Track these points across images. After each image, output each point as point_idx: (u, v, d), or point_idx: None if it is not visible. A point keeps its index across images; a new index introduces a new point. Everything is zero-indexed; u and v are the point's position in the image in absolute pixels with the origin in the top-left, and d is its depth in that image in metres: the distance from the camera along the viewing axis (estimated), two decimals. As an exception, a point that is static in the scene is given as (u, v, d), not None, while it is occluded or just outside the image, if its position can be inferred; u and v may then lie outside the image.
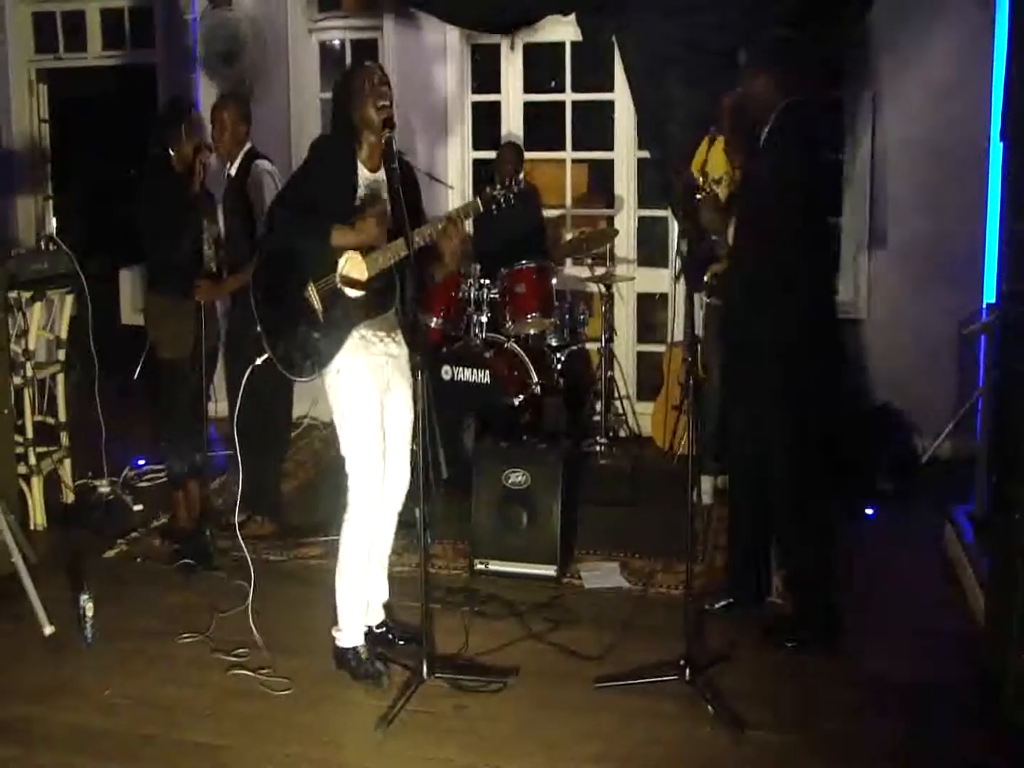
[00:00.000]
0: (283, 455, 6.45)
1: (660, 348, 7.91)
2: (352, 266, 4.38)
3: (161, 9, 8.66)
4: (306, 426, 8.06)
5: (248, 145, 6.03)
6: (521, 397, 6.63)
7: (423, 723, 4.22)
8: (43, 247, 6.98)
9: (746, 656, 4.73)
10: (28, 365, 6.15)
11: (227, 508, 6.25)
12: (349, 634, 4.56)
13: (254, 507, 6.09)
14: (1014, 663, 4.18)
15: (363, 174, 4.44)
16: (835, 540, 5.02)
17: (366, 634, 4.62)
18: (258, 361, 4.60)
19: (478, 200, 4.42)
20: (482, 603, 5.26)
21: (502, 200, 4.36)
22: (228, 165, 6.00)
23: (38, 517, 6.28)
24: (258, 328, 4.53)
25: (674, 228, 7.70)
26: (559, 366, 7.23)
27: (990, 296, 6.79)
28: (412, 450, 4.65)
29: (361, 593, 4.58)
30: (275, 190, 5.78)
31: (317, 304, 4.42)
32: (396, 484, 4.64)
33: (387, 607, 4.86)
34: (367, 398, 4.43)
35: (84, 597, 4.87)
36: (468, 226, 7.30)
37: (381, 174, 4.49)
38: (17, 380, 6.06)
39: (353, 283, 4.39)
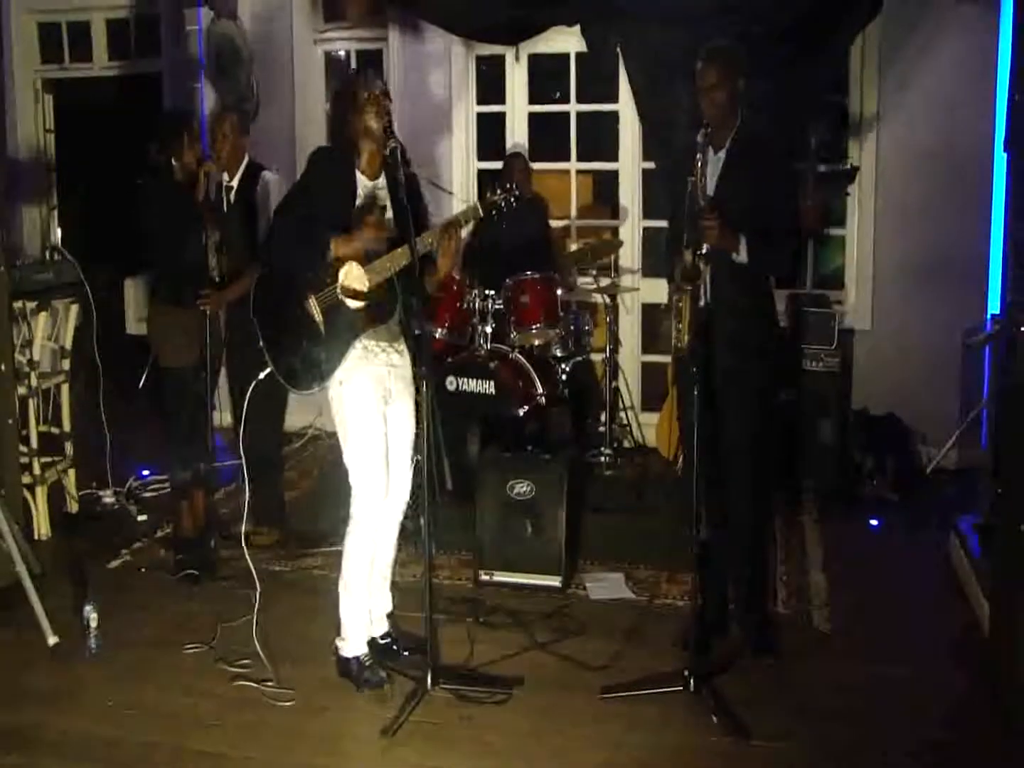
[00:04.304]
0: (281, 464, 6.45)
1: (665, 359, 7.91)
2: (352, 277, 4.38)
3: (166, 19, 8.69)
4: (310, 436, 8.08)
5: (247, 157, 6.05)
6: (526, 407, 6.63)
7: (428, 733, 4.21)
8: (48, 257, 6.99)
9: (751, 665, 4.72)
10: (33, 375, 6.16)
11: (231, 517, 6.26)
12: (352, 644, 4.56)
13: (258, 517, 6.09)
14: (1019, 672, 4.18)
15: (363, 182, 4.45)
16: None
17: (369, 643, 4.61)
18: (261, 376, 4.59)
19: (478, 205, 4.42)
20: (487, 613, 5.24)
21: (503, 205, 4.36)
22: (227, 176, 6.00)
23: (42, 527, 6.27)
24: (260, 343, 4.54)
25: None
26: (564, 376, 7.22)
27: (995, 307, 6.79)
28: (416, 460, 4.63)
29: (364, 603, 4.57)
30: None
31: (318, 316, 4.42)
32: (397, 494, 4.63)
33: (391, 617, 4.84)
34: (370, 409, 4.43)
35: (88, 607, 4.86)
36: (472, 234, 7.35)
37: (381, 181, 4.49)
38: (22, 390, 6.08)
39: (354, 294, 4.39)
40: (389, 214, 4.47)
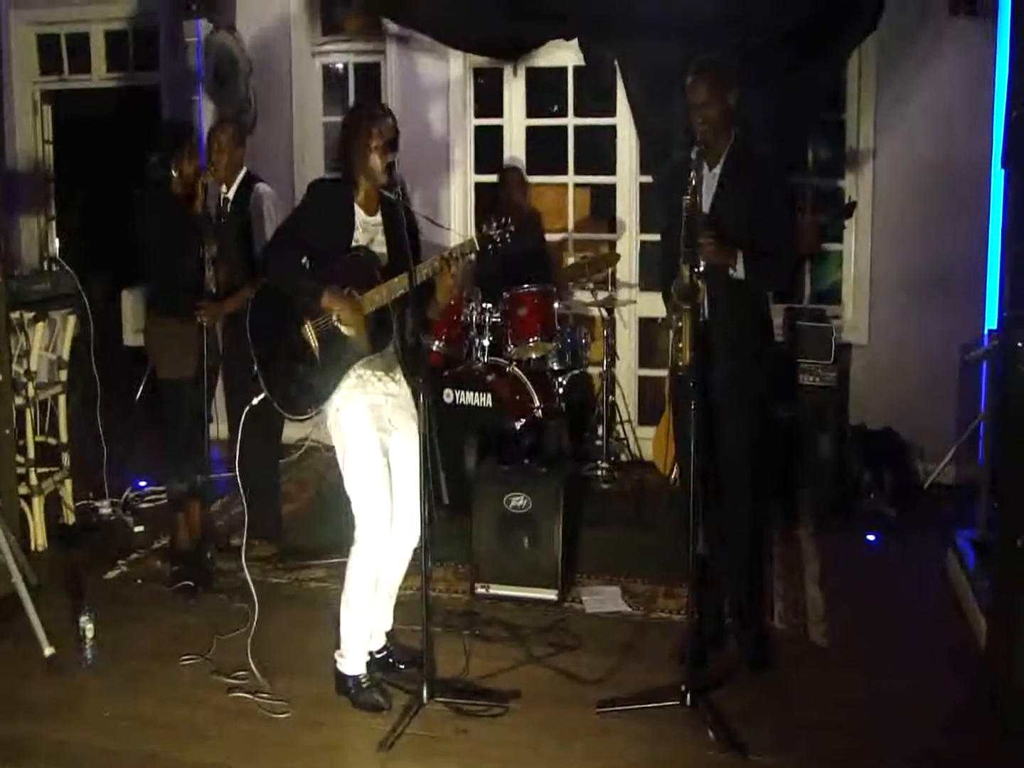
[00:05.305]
0: (278, 477, 6.44)
1: (662, 373, 7.91)
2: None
3: (165, 31, 8.70)
4: (307, 449, 8.07)
5: (244, 168, 6.06)
6: (523, 421, 6.62)
7: (424, 746, 4.20)
8: (46, 267, 7.02)
9: (748, 679, 4.71)
10: (30, 386, 6.15)
11: (228, 529, 6.26)
12: (351, 662, 4.54)
13: (255, 530, 6.07)
14: (1017, 677, 4.20)
15: (360, 217, 4.46)
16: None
17: (367, 662, 4.61)
18: (255, 401, 4.59)
19: (475, 239, 4.43)
20: (483, 627, 5.23)
21: (498, 239, 4.36)
22: (224, 188, 6.00)
23: (39, 538, 6.26)
24: (254, 368, 4.54)
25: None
26: (561, 390, 7.22)
27: (992, 322, 6.79)
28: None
29: (365, 623, 4.55)
30: (275, 213, 5.84)
31: (314, 343, 4.43)
32: (410, 521, 4.53)
33: (389, 632, 4.83)
34: (367, 435, 4.41)
35: (84, 618, 4.85)
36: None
37: (378, 217, 4.52)
38: (19, 400, 6.06)
39: (350, 322, 4.40)
40: (383, 248, 4.49)
